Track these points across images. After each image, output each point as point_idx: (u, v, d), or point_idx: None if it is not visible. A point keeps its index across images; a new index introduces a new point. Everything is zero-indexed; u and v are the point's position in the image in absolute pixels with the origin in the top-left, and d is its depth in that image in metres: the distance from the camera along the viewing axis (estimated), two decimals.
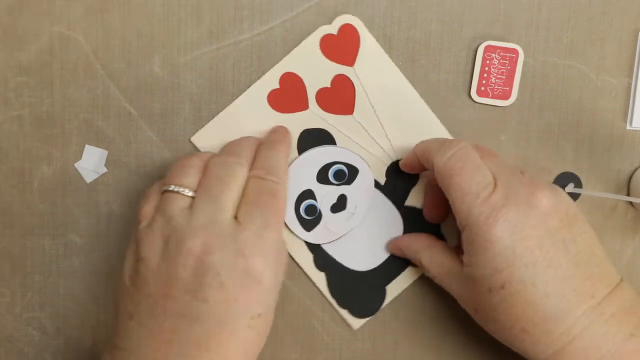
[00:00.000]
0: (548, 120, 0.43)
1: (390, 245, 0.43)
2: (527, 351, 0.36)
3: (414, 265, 0.43)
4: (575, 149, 0.43)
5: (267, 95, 0.41)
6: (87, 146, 0.41)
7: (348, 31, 0.41)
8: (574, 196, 0.43)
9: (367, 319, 0.43)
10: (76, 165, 0.42)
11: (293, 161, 0.42)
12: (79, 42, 0.41)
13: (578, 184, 0.43)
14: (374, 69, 0.42)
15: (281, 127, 0.41)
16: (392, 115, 0.42)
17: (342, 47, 0.41)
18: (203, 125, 0.41)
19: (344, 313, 0.43)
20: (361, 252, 0.43)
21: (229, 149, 0.39)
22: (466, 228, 0.36)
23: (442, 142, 0.38)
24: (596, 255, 0.36)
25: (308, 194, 0.42)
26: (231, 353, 0.35)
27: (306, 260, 0.43)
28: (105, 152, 0.41)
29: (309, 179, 0.42)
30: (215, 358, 0.34)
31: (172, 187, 0.37)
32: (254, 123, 0.41)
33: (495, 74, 0.42)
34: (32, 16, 0.40)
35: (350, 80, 0.42)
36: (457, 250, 0.39)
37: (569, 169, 0.43)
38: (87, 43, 0.41)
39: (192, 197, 0.36)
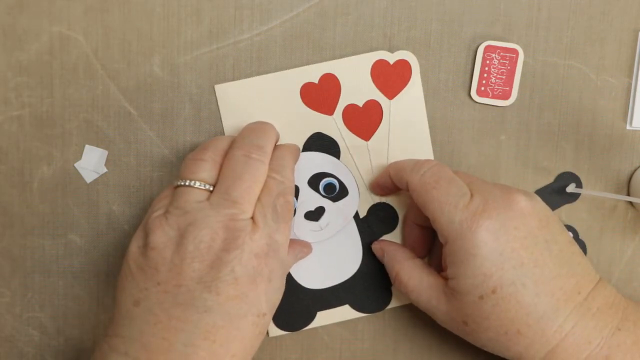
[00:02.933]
0: (548, 120, 0.43)
1: (376, 244, 0.42)
2: (522, 355, 0.36)
3: (352, 305, 0.43)
4: (575, 149, 0.43)
5: (302, 84, 0.41)
6: (87, 146, 0.41)
7: (402, 66, 0.41)
8: (574, 196, 0.43)
9: (287, 332, 0.43)
10: (76, 165, 0.42)
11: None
12: (79, 42, 0.41)
13: (578, 184, 0.43)
14: (408, 109, 0.42)
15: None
16: (401, 152, 0.42)
17: (392, 78, 0.42)
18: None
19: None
20: (310, 269, 0.42)
21: (252, 137, 0.38)
22: (449, 239, 0.36)
23: (415, 161, 0.39)
24: (576, 253, 0.37)
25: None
26: (234, 347, 0.35)
27: None
28: (105, 152, 0.41)
29: (301, 177, 0.42)
30: (219, 350, 0.34)
31: (186, 182, 0.37)
32: (278, 104, 0.41)
33: (495, 74, 0.42)
34: (32, 16, 0.40)
35: (382, 110, 0.42)
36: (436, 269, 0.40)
37: (569, 169, 0.43)
38: (87, 43, 0.41)
39: (208, 191, 0.36)
